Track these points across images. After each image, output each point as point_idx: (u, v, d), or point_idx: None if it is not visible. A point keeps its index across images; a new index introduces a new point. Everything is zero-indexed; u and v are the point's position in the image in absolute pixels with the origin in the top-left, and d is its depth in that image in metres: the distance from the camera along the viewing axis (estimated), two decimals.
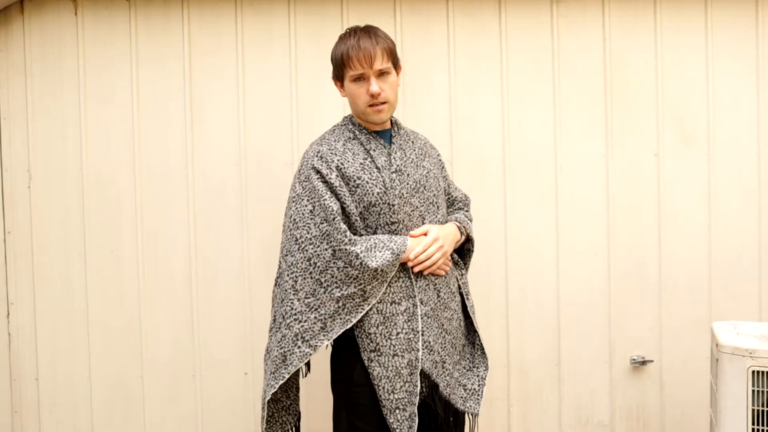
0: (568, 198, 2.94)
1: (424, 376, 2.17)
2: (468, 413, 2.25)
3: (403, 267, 2.18)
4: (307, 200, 2.15)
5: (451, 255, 2.32)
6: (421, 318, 2.17)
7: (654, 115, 2.93)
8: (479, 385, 2.27)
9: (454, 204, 2.45)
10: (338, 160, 2.19)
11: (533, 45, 2.91)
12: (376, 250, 2.11)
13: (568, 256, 2.94)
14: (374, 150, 2.23)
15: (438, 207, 2.28)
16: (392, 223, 2.18)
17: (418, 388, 2.12)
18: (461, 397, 2.24)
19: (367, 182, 2.17)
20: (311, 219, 2.13)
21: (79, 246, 2.88)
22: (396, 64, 2.24)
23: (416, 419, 2.11)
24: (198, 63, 2.87)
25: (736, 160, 2.94)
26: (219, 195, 2.89)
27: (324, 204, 2.12)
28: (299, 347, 2.09)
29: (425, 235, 2.20)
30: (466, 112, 2.91)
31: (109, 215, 2.88)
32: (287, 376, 2.11)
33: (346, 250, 2.09)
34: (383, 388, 2.11)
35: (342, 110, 2.88)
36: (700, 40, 2.93)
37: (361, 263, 2.08)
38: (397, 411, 2.10)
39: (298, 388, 2.34)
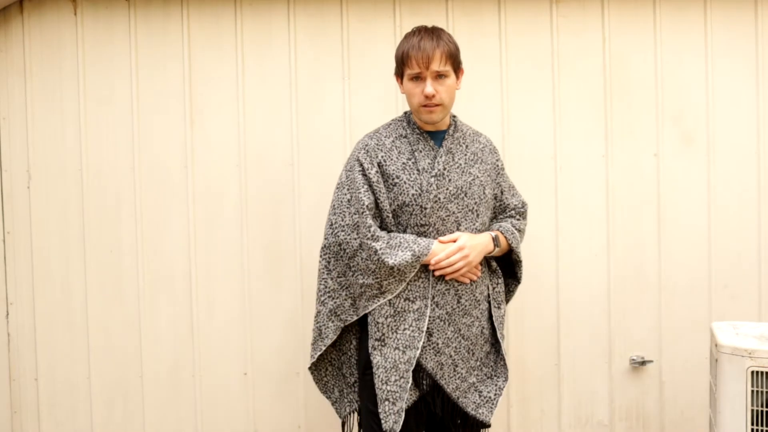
0: (568, 198, 2.94)
1: (427, 374, 2.21)
2: (478, 420, 2.27)
3: (425, 268, 2.22)
4: (347, 189, 2.25)
5: (488, 263, 2.34)
6: (434, 320, 2.21)
7: (654, 115, 2.93)
8: (495, 395, 2.30)
9: (506, 211, 2.41)
10: (382, 157, 2.25)
11: (533, 45, 2.91)
12: (398, 249, 2.17)
13: (568, 256, 2.94)
14: (420, 151, 2.26)
15: (478, 215, 2.27)
16: (422, 225, 2.22)
17: (410, 384, 2.17)
18: (474, 403, 2.27)
19: (405, 182, 2.22)
20: (347, 208, 2.24)
21: (78, 246, 2.88)
22: (457, 67, 2.25)
23: (403, 415, 2.16)
24: (198, 63, 2.87)
25: (735, 160, 2.94)
26: (218, 195, 2.89)
27: (358, 196, 2.22)
28: (333, 321, 2.27)
29: (454, 242, 2.22)
30: (466, 112, 2.90)
31: (108, 215, 2.88)
32: (323, 348, 2.29)
33: (367, 244, 2.18)
34: (379, 377, 2.18)
35: (342, 110, 2.89)
36: (700, 40, 2.93)
37: (378, 259, 2.16)
38: (387, 402, 2.16)
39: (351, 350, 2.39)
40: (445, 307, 2.23)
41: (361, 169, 2.25)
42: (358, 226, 2.21)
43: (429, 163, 2.24)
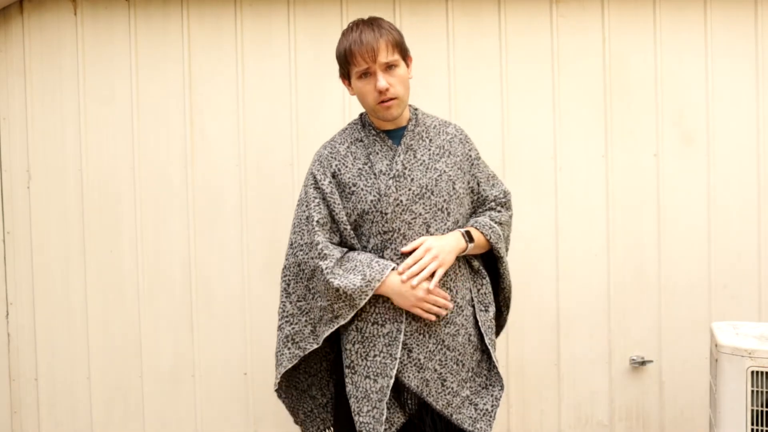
0: (568, 198, 2.93)
1: (411, 394, 2.04)
2: None
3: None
4: (305, 206, 2.11)
5: (469, 263, 2.16)
6: (412, 334, 2.04)
7: (653, 115, 2.93)
8: (492, 406, 2.10)
9: (485, 203, 2.21)
10: (336, 165, 2.10)
11: (533, 45, 2.91)
12: (350, 272, 2.01)
13: (567, 256, 2.94)
14: (377, 153, 2.09)
15: (449, 213, 2.09)
16: (385, 232, 2.05)
17: (384, 415, 1.99)
18: (470, 418, 2.08)
19: (362, 189, 2.06)
20: (306, 225, 2.09)
21: (78, 246, 2.88)
22: (405, 55, 2.08)
23: None
24: (197, 63, 2.87)
25: (735, 160, 2.94)
26: (218, 195, 2.89)
27: (309, 213, 2.08)
28: (289, 348, 2.10)
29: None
30: (466, 113, 2.90)
31: (108, 215, 2.88)
32: (279, 377, 2.11)
33: (314, 263, 2.04)
34: (351, 407, 2.03)
35: (342, 110, 2.88)
36: (700, 40, 2.93)
37: (324, 279, 2.01)
38: None
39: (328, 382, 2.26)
40: (422, 318, 2.04)
41: (314, 182, 2.11)
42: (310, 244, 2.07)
43: (387, 165, 2.07)
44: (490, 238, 2.13)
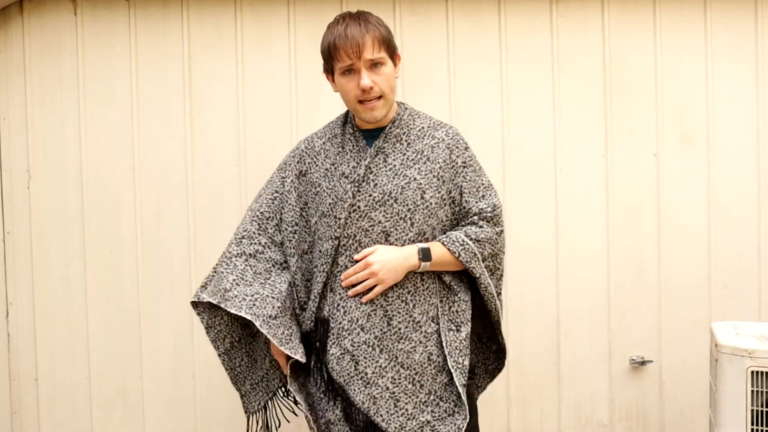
0: (568, 198, 2.93)
1: (357, 410, 1.92)
2: None
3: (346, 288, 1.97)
4: (262, 191, 2.15)
5: (439, 277, 2.00)
6: (360, 346, 1.93)
7: (653, 115, 2.93)
8: None
9: (467, 217, 2.03)
10: (309, 163, 2.06)
11: (533, 45, 2.91)
12: (217, 277, 2.04)
13: (567, 256, 2.94)
14: (346, 154, 2.00)
15: (412, 223, 1.95)
16: (338, 237, 1.96)
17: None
18: None
19: (324, 190, 1.99)
20: (249, 212, 2.13)
21: (78, 246, 2.88)
22: (392, 53, 1.98)
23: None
24: (197, 63, 2.87)
25: (735, 160, 2.94)
26: (218, 195, 2.89)
27: (259, 200, 2.12)
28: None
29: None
30: (466, 113, 2.90)
31: (108, 215, 2.88)
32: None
33: (225, 251, 2.09)
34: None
35: (342, 110, 2.88)
36: (700, 40, 2.93)
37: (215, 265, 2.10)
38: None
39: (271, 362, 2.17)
40: (372, 330, 1.91)
41: (281, 174, 2.12)
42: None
43: (352, 168, 1.98)
44: (460, 255, 1.95)
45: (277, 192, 2.09)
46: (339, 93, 2.01)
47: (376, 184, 1.95)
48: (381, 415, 1.90)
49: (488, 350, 2.18)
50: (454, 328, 1.97)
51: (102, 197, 2.88)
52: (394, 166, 1.97)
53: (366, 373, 1.91)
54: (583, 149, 2.93)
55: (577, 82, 2.92)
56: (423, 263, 1.93)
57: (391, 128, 2.01)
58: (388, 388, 1.91)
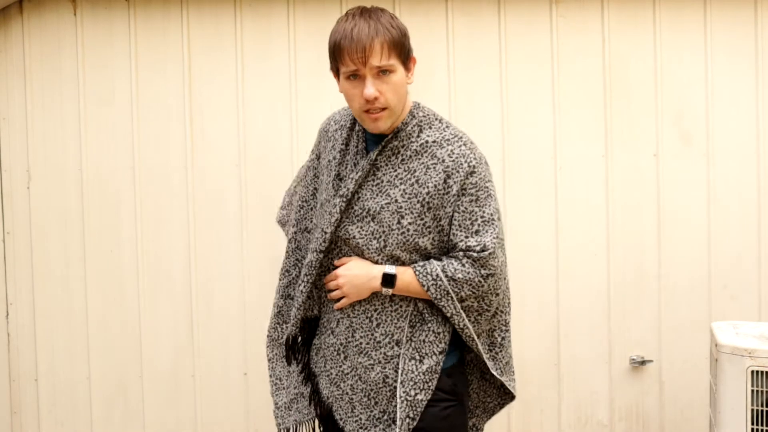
0: (568, 198, 2.93)
1: (321, 401, 1.92)
2: None
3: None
4: (299, 174, 2.09)
5: (415, 302, 1.84)
6: (329, 347, 1.89)
7: (653, 115, 2.93)
8: None
9: (453, 250, 1.83)
10: (322, 147, 1.96)
11: (533, 45, 2.91)
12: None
13: (567, 256, 2.94)
14: (349, 153, 1.88)
15: (384, 245, 1.81)
16: (325, 239, 1.87)
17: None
18: None
19: (322, 184, 1.91)
20: (292, 196, 2.08)
21: (78, 246, 2.88)
22: (405, 58, 1.80)
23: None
24: (197, 63, 2.87)
25: (735, 159, 2.94)
26: (218, 195, 2.89)
27: (297, 185, 2.07)
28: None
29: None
30: (466, 113, 2.90)
31: (108, 215, 2.88)
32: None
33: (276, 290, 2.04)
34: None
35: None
36: (700, 40, 2.93)
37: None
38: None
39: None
40: (339, 336, 1.86)
41: (312, 151, 2.02)
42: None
43: (347, 172, 1.86)
44: (429, 290, 1.79)
45: (306, 174, 2.02)
46: (343, 96, 1.85)
47: (359, 198, 1.82)
48: (339, 414, 1.88)
49: (491, 386, 2.00)
50: (417, 357, 1.82)
51: (102, 197, 2.88)
52: (381, 182, 1.82)
53: (331, 373, 1.89)
54: (583, 149, 2.93)
55: (577, 82, 2.92)
56: (384, 288, 1.81)
57: (390, 140, 1.82)
58: (347, 393, 1.87)
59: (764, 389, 2.13)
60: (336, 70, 1.82)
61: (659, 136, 2.93)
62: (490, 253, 1.78)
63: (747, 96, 2.93)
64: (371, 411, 1.84)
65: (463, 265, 1.79)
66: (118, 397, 2.92)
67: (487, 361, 1.89)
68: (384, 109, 1.76)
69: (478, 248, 1.78)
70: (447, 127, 1.86)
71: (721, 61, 2.93)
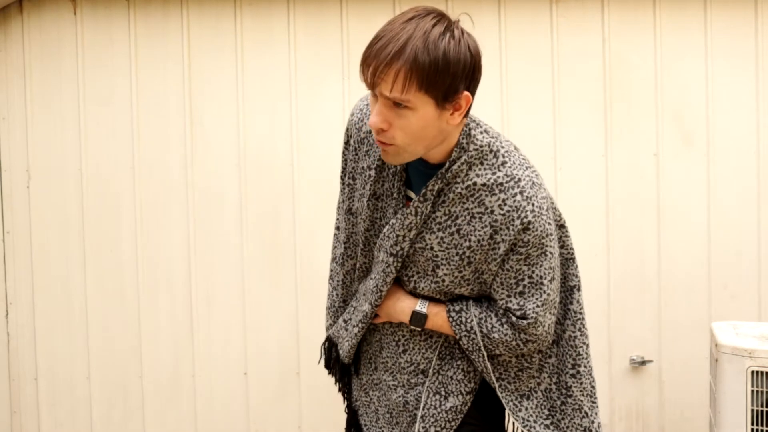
0: (568, 198, 2.93)
1: (350, 396, 1.80)
2: None
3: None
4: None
5: (446, 337, 1.64)
6: (363, 354, 1.74)
7: (653, 115, 2.93)
8: None
9: (495, 303, 1.60)
10: (352, 143, 1.63)
11: (533, 45, 2.91)
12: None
13: None
14: (386, 169, 1.57)
15: (415, 288, 1.60)
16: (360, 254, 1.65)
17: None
18: None
19: (355, 191, 1.63)
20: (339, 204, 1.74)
21: (78, 246, 2.88)
22: (442, 95, 1.39)
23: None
24: (197, 63, 2.87)
25: (735, 159, 2.94)
26: (218, 195, 2.89)
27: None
28: None
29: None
30: None
31: (108, 215, 2.88)
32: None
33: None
34: None
35: (342, 109, 2.88)
36: (700, 40, 2.93)
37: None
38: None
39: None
40: (371, 345, 1.71)
41: (345, 141, 1.66)
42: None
43: (391, 201, 1.57)
44: (461, 340, 1.59)
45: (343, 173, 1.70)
46: None
47: (395, 231, 1.55)
48: (364, 420, 1.76)
49: None
50: (442, 393, 1.64)
51: (102, 197, 2.87)
52: (417, 221, 1.53)
53: (362, 380, 1.76)
54: (583, 149, 2.93)
55: (577, 82, 2.92)
56: (412, 326, 1.62)
57: (445, 174, 1.49)
58: (373, 402, 1.74)
59: (764, 389, 2.13)
60: None
61: (659, 136, 2.93)
62: (529, 323, 1.54)
63: (747, 96, 2.93)
64: (392, 428, 1.70)
65: (502, 325, 1.57)
66: (118, 397, 2.92)
67: (528, 430, 1.64)
68: (389, 145, 1.43)
69: (518, 313, 1.55)
70: (503, 164, 1.52)
71: (721, 61, 2.93)
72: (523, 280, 1.53)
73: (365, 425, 1.75)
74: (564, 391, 1.66)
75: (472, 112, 1.56)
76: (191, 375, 2.92)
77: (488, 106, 2.91)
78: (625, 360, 2.96)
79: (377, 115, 1.39)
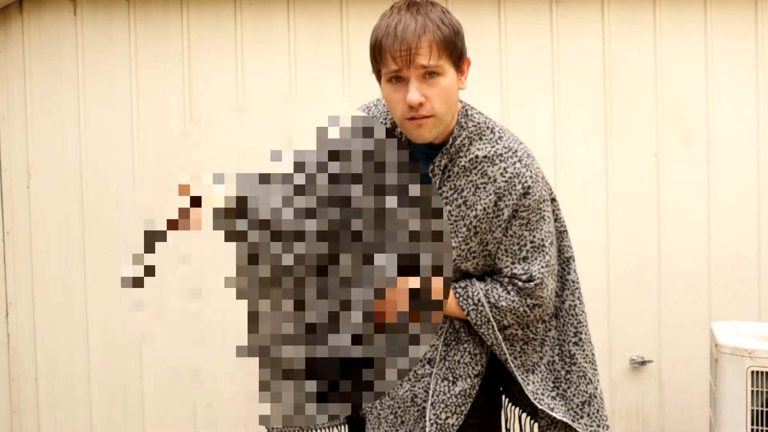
0: (568, 198, 2.93)
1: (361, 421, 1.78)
2: None
3: None
4: None
5: (451, 321, 1.70)
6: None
7: (653, 115, 2.93)
8: None
9: (499, 274, 1.68)
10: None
11: (533, 45, 2.91)
12: None
13: None
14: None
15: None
16: None
17: None
18: None
19: None
20: None
21: (78, 246, 2.88)
22: (458, 59, 1.57)
23: None
24: (197, 63, 2.87)
25: (735, 159, 2.94)
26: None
27: None
28: None
29: None
30: None
31: (108, 215, 2.88)
32: None
33: None
34: None
35: (342, 110, 2.88)
36: (700, 40, 2.93)
37: None
38: None
39: None
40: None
41: None
42: None
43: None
44: (469, 315, 1.65)
45: None
46: (384, 101, 1.64)
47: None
48: (370, 420, 1.75)
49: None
50: (450, 378, 1.68)
51: (102, 197, 2.87)
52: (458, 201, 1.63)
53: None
54: (583, 149, 2.93)
55: (577, 82, 2.92)
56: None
57: (450, 150, 1.62)
58: (375, 407, 1.74)
59: (764, 389, 2.13)
60: (378, 72, 1.61)
61: (659, 135, 2.93)
62: (536, 284, 1.62)
63: (747, 96, 2.93)
64: (397, 430, 1.71)
65: (508, 293, 1.64)
66: (118, 397, 2.92)
67: (537, 403, 1.67)
68: (429, 117, 1.54)
69: (524, 277, 1.63)
70: (500, 138, 1.65)
71: (721, 61, 2.93)
72: (525, 245, 1.62)
73: (371, 424, 1.74)
74: (568, 359, 1.72)
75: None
76: (191, 375, 2.92)
77: (488, 106, 2.91)
78: (625, 360, 2.96)
79: (415, 92, 1.51)
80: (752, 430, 2.14)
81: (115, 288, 2.89)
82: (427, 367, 1.70)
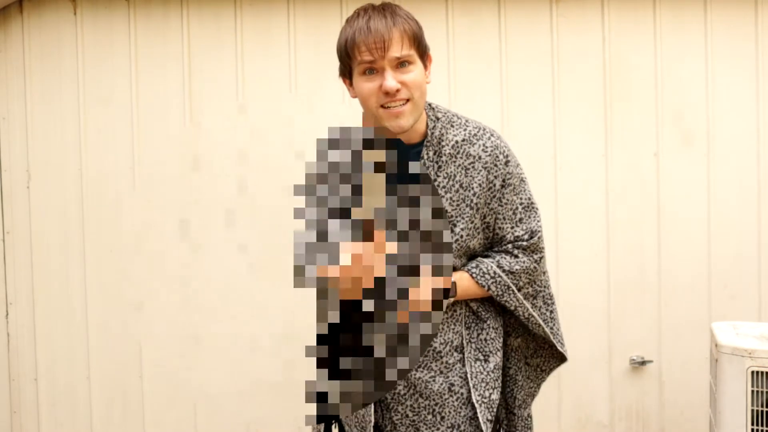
0: (568, 198, 2.93)
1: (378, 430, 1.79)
2: None
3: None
4: None
5: (467, 304, 1.78)
6: None
7: (653, 115, 2.93)
8: None
9: (501, 243, 1.78)
10: None
11: (533, 45, 2.91)
12: None
13: (567, 256, 2.94)
14: None
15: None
16: None
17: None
18: None
19: None
20: None
21: (78, 246, 2.88)
22: (423, 53, 1.69)
23: None
24: (197, 63, 2.87)
25: (735, 159, 2.94)
26: (218, 194, 2.89)
27: None
28: None
29: None
30: (466, 112, 2.90)
31: (108, 215, 2.88)
32: None
33: None
34: None
35: (342, 110, 2.88)
36: (700, 40, 2.93)
37: None
38: None
39: None
40: None
41: None
42: None
43: None
44: (490, 289, 1.74)
45: None
46: (358, 99, 1.71)
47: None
48: None
49: (518, 418, 1.90)
50: (482, 357, 1.78)
51: (102, 197, 2.88)
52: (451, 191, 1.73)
53: (385, 398, 1.77)
54: (583, 149, 2.93)
55: (577, 82, 2.92)
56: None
57: (432, 142, 1.73)
58: (407, 416, 1.76)
59: (764, 389, 2.13)
60: (347, 73, 1.71)
61: (659, 135, 2.93)
62: (539, 237, 1.78)
63: (747, 96, 2.93)
64: (438, 428, 1.74)
65: (516, 257, 1.77)
66: (118, 397, 2.92)
67: (557, 344, 1.94)
68: (407, 101, 1.64)
69: (526, 236, 1.77)
70: (467, 122, 1.78)
71: (721, 61, 2.93)
72: (517, 209, 1.76)
73: None
74: (549, 300, 1.89)
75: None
76: (191, 375, 2.92)
77: (488, 106, 2.91)
78: (625, 360, 2.96)
79: (392, 79, 1.61)
80: (752, 430, 2.14)
81: (115, 288, 2.89)
82: (455, 354, 1.76)
